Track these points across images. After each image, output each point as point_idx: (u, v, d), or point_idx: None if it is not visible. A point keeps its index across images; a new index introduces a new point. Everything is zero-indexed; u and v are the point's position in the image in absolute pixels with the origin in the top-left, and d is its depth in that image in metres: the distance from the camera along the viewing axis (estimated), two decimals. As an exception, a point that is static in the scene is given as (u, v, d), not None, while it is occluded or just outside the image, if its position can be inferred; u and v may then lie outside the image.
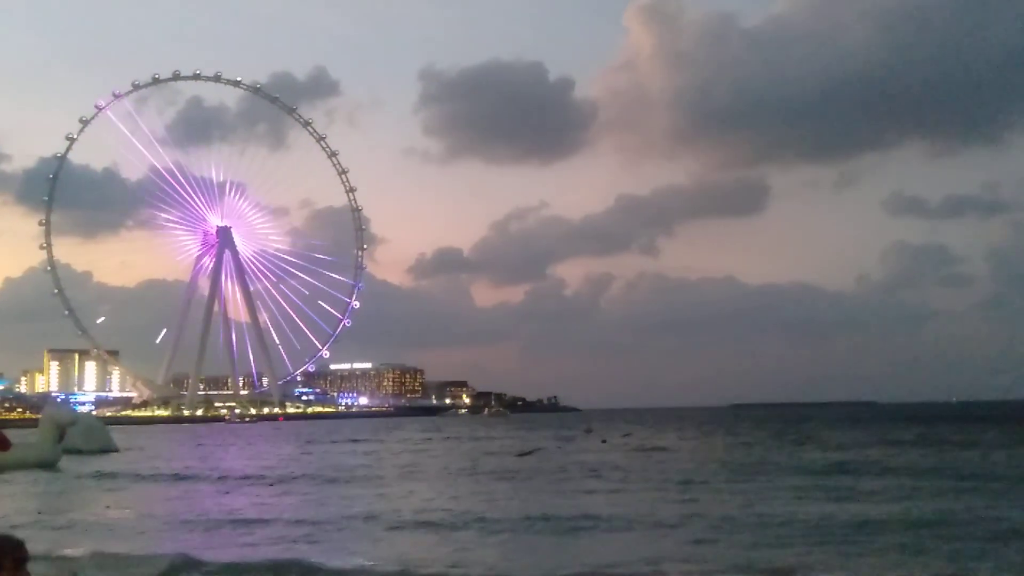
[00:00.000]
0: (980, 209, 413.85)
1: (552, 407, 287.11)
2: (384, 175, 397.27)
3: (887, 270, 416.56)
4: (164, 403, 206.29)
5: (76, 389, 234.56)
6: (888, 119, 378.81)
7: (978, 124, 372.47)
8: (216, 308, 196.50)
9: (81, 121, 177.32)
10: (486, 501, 27.25)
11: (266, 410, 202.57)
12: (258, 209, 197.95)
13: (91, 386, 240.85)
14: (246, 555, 17.28)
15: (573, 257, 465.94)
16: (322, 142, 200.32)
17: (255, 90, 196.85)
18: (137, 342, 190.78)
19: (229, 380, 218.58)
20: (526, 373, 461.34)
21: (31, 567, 4.70)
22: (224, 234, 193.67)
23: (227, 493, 33.59)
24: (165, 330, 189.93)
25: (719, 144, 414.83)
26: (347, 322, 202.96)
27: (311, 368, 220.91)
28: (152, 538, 20.35)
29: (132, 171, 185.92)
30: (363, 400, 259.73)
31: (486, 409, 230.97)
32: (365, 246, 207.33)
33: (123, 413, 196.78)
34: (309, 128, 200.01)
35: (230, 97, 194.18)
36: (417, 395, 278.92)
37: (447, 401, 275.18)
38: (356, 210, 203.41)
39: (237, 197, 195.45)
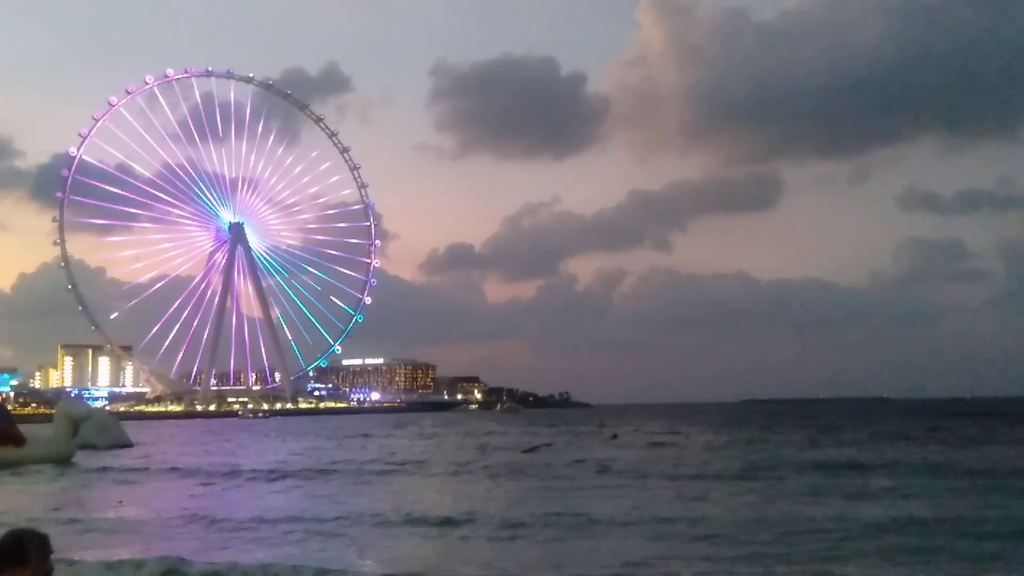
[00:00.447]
0: (994, 204, 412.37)
1: (564, 403, 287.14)
2: (396, 170, 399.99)
3: (901, 265, 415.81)
4: (177, 398, 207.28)
5: (90, 384, 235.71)
6: (902, 113, 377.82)
7: (992, 118, 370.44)
8: (229, 304, 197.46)
9: (94, 118, 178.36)
10: (485, 500, 27.20)
11: (278, 405, 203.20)
12: (270, 205, 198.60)
13: (105, 381, 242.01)
14: (241, 557, 17.06)
15: (585, 252, 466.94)
16: (334, 138, 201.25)
17: (267, 86, 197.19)
18: (150, 338, 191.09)
19: (241, 376, 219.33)
20: (537, 369, 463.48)
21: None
22: (237, 230, 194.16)
23: (239, 487, 33.78)
24: (178, 326, 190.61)
25: (732, 139, 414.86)
26: (359, 318, 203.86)
27: (323, 363, 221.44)
28: (153, 538, 20.23)
29: (145, 167, 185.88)
30: (375, 395, 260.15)
31: (499, 405, 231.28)
32: (377, 242, 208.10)
33: (136, 408, 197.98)
34: (321, 124, 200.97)
35: (242, 93, 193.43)
36: (428, 391, 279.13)
37: (458, 397, 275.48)
38: (368, 205, 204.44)
39: (249, 193, 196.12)
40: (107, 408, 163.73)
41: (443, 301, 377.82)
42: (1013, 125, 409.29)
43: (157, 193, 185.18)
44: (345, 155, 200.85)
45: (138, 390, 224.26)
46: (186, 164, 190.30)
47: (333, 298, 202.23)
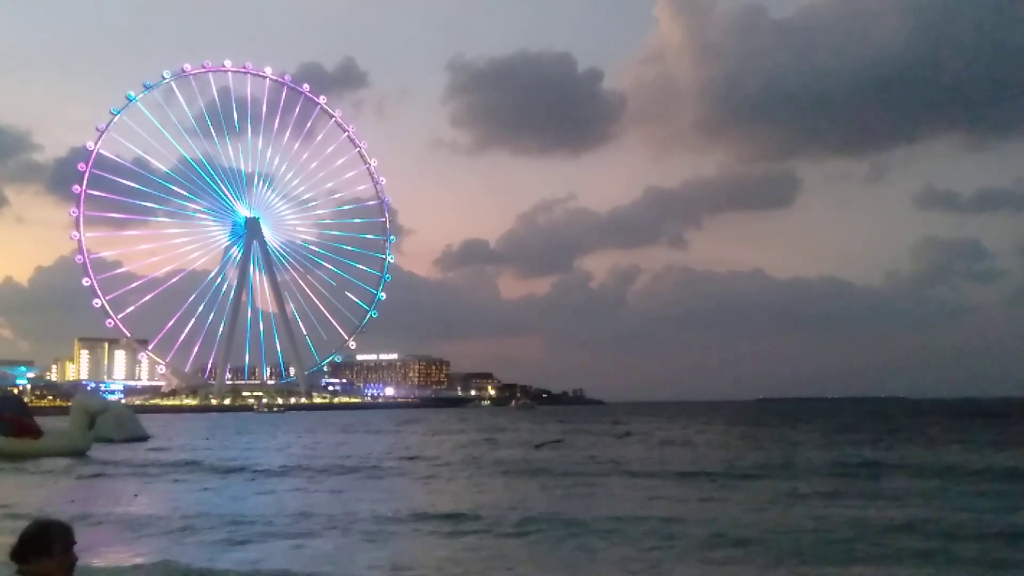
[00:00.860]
0: (1013, 203, 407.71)
1: (577, 400, 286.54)
2: (411, 166, 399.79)
3: (918, 265, 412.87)
4: (192, 392, 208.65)
5: (106, 377, 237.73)
6: (921, 111, 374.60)
7: (1012, 117, 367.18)
8: (244, 298, 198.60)
9: (112, 112, 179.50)
10: (495, 496, 27.10)
11: (293, 400, 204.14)
12: (286, 200, 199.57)
13: (120, 375, 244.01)
14: (241, 557, 16.99)
15: (600, 249, 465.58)
16: (350, 133, 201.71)
17: (284, 81, 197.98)
18: (166, 332, 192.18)
19: (256, 370, 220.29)
20: (551, 365, 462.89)
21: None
22: (252, 225, 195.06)
23: (252, 480, 33.92)
24: (193, 320, 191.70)
25: (749, 136, 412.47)
26: (373, 313, 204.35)
27: (337, 359, 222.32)
28: (164, 534, 20.22)
29: (162, 162, 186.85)
30: (389, 391, 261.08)
31: (513, 401, 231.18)
32: (392, 237, 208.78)
33: (152, 402, 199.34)
34: (337, 119, 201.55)
35: (259, 88, 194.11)
36: (442, 386, 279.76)
37: (472, 393, 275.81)
38: (383, 201, 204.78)
39: (265, 188, 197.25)
40: (123, 401, 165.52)
41: (457, 297, 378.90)
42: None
43: (173, 187, 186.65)
44: (361, 150, 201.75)
45: (153, 383, 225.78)
46: (202, 159, 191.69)
47: (348, 293, 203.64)
